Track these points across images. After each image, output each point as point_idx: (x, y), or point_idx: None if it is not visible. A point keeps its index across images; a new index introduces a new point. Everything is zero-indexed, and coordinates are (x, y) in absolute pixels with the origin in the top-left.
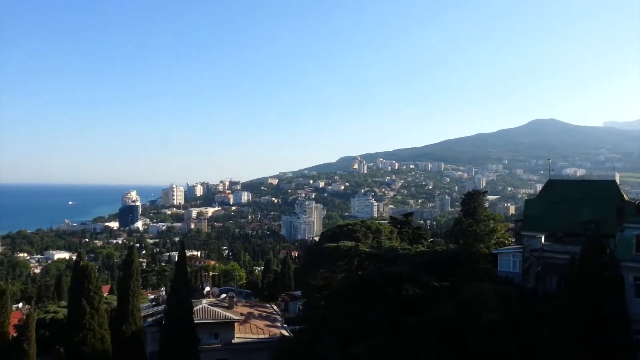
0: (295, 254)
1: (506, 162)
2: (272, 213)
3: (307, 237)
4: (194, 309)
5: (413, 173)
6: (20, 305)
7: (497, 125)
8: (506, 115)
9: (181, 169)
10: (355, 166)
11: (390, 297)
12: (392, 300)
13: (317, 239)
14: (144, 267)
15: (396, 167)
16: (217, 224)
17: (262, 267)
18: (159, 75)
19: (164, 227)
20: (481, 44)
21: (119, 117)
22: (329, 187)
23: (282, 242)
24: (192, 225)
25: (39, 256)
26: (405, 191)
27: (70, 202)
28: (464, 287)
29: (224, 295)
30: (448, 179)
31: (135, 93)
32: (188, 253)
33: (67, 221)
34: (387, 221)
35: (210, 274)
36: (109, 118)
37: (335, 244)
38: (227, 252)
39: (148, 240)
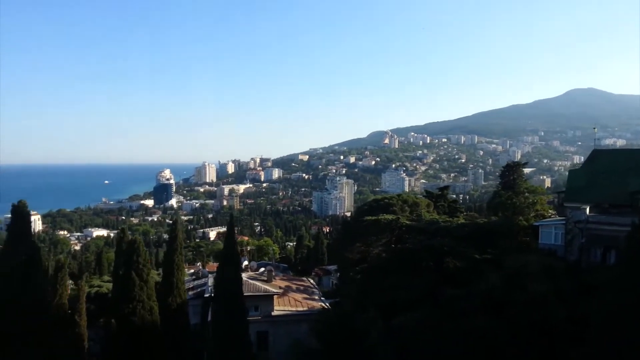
0: (326, 229)
1: (542, 133)
2: (303, 189)
3: (338, 213)
4: None
5: (445, 147)
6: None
7: (533, 96)
8: (542, 85)
9: (213, 147)
10: (386, 141)
11: (430, 270)
12: (433, 273)
13: (348, 214)
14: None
15: (428, 141)
16: (248, 201)
17: (295, 243)
18: (193, 55)
19: (197, 205)
20: (516, 11)
21: (152, 98)
22: (360, 163)
23: (314, 217)
24: (225, 202)
25: (79, 234)
26: (437, 165)
27: (106, 181)
28: (507, 259)
29: (262, 269)
30: (482, 152)
31: (167, 75)
32: (221, 229)
33: (104, 200)
34: (421, 195)
35: (247, 249)
36: (142, 99)
37: (375, 217)
38: (259, 228)
39: (182, 217)
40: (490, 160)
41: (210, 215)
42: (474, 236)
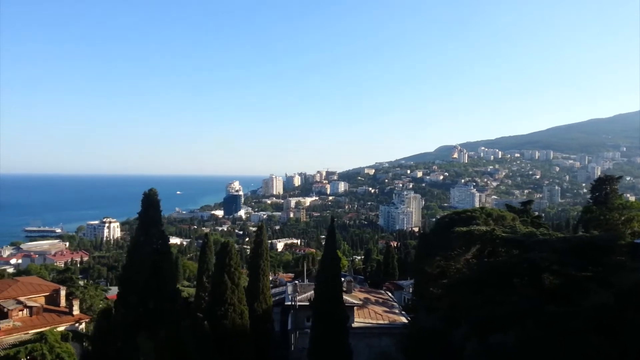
0: (394, 244)
1: (624, 149)
2: (369, 203)
3: (405, 228)
4: (313, 292)
5: (518, 162)
6: None
7: (613, 110)
8: (624, 98)
9: (280, 159)
10: (455, 155)
11: (526, 285)
12: (530, 289)
13: (416, 229)
14: (248, 253)
15: (499, 156)
16: (314, 214)
17: (362, 256)
18: (260, 70)
19: (264, 216)
20: (592, 20)
21: (223, 112)
22: (427, 177)
23: (380, 232)
24: (291, 214)
25: None
26: (510, 181)
27: (178, 192)
28: (616, 277)
29: (341, 280)
30: (557, 168)
31: (238, 90)
32: (288, 241)
33: (177, 209)
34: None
35: (318, 259)
36: (215, 115)
37: (467, 228)
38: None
39: (250, 228)
40: (567, 177)
41: (277, 227)
42: (576, 251)
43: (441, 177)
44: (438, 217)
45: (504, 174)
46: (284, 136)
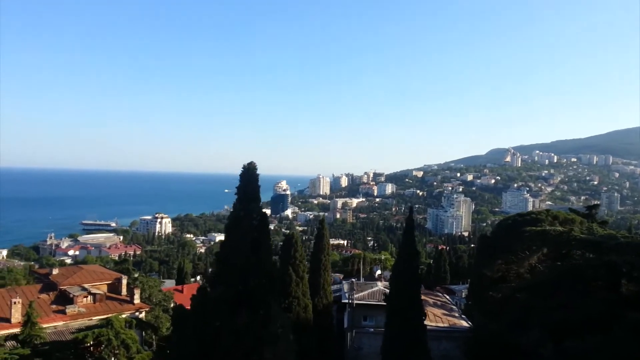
0: (442, 248)
1: None
2: (417, 206)
3: (454, 232)
4: (370, 291)
5: (575, 167)
6: (198, 278)
7: None
8: None
9: (327, 160)
10: (508, 159)
11: (603, 290)
12: (607, 293)
13: (465, 233)
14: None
15: (555, 161)
16: (361, 215)
17: None
18: (311, 71)
19: (311, 216)
20: None
21: (271, 111)
22: (478, 181)
23: (428, 235)
24: (338, 215)
25: (203, 237)
26: (566, 187)
27: (226, 190)
28: None
29: None
30: (617, 174)
31: (288, 91)
32: (335, 241)
33: (226, 207)
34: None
35: (369, 260)
36: (261, 113)
37: (541, 228)
38: (372, 242)
39: (297, 227)
40: (628, 184)
41: None
42: None
43: (492, 181)
44: (489, 222)
45: (559, 179)
46: (331, 137)
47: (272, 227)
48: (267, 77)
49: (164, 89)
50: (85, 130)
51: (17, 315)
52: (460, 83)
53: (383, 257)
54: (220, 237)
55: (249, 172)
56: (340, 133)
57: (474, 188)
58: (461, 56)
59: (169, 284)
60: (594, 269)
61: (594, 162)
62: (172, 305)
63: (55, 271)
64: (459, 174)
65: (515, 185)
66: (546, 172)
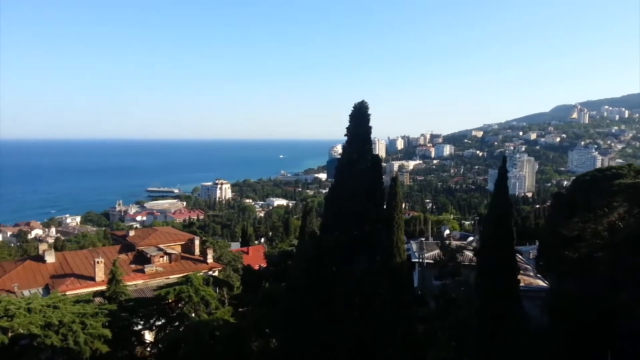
0: None
1: None
2: (477, 167)
3: (517, 193)
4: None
5: None
6: (262, 240)
7: None
8: None
9: (382, 122)
10: (574, 115)
11: None
12: None
13: (529, 194)
14: None
15: (626, 116)
16: (418, 177)
17: (473, 221)
18: (365, 32)
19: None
20: None
21: (325, 76)
22: (542, 140)
23: (489, 196)
24: None
25: (261, 202)
26: (638, 143)
27: (281, 156)
28: None
29: (470, 238)
30: None
31: (336, 53)
32: None
33: (282, 172)
34: None
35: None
36: (316, 78)
37: (632, 180)
38: (430, 205)
39: None
40: None
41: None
42: None
43: (558, 139)
44: (554, 181)
45: (631, 135)
46: (386, 99)
47: (327, 191)
48: (330, 37)
49: (227, 62)
50: (151, 103)
51: (100, 273)
52: (524, 36)
53: (444, 219)
54: (278, 201)
55: (360, 112)
56: (394, 95)
57: (537, 147)
58: (529, 8)
59: (234, 246)
60: None
61: None
62: (239, 265)
63: (131, 233)
64: (521, 133)
65: (582, 143)
66: (616, 128)
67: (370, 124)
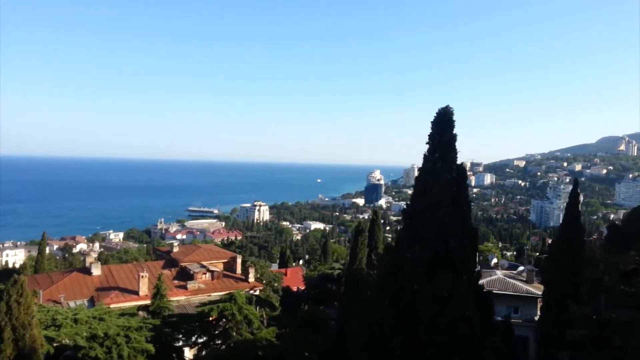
0: (548, 240)
1: None
2: (519, 197)
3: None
4: (490, 279)
5: None
6: (301, 262)
7: None
8: None
9: (423, 148)
10: (622, 147)
11: None
12: None
13: None
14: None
15: None
16: None
17: (514, 252)
18: (403, 59)
19: (405, 206)
20: None
21: (363, 103)
22: (587, 171)
23: (532, 228)
24: None
25: (299, 225)
26: None
27: (318, 180)
28: None
29: (521, 268)
30: None
31: (378, 79)
32: None
33: (320, 196)
34: None
35: None
36: (354, 105)
37: None
38: None
39: (391, 217)
40: None
41: None
42: None
43: (604, 171)
44: (600, 214)
45: None
46: (426, 125)
47: (365, 216)
48: (362, 66)
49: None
50: (194, 126)
51: (144, 288)
52: (569, 64)
53: (487, 248)
54: (315, 225)
55: (445, 117)
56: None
57: (582, 178)
58: (572, 33)
59: (272, 267)
60: None
61: None
62: (278, 286)
63: (175, 249)
64: (565, 164)
65: (631, 175)
66: None
67: (455, 131)
